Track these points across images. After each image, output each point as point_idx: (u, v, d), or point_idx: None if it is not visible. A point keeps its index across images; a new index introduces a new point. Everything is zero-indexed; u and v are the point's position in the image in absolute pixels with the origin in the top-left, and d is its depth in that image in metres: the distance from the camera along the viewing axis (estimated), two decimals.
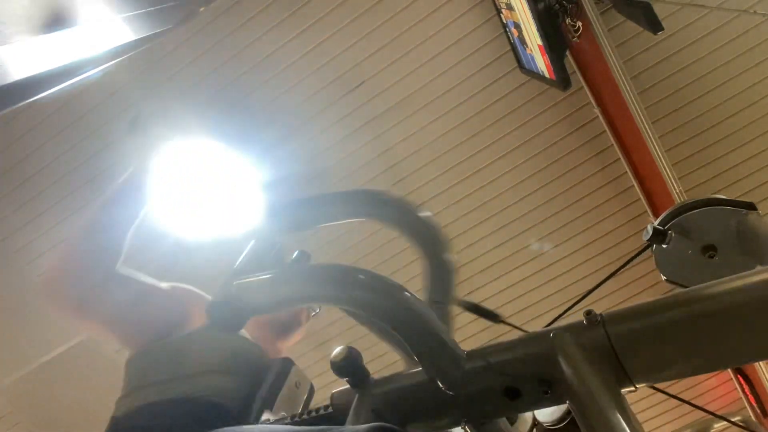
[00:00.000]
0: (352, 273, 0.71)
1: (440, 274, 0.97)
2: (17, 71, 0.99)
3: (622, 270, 1.08)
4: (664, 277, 1.04)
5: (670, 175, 2.96)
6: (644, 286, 3.28)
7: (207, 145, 1.22)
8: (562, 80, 2.51)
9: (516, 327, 0.99)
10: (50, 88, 1.22)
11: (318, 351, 3.46)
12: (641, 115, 2.88)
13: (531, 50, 2.64)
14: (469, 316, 1.09)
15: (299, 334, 1.36)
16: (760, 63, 2.93)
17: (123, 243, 1.06)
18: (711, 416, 2.88)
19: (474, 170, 3.23)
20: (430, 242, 0.97)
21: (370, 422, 0.71)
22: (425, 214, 1.00)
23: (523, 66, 2.89)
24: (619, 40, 2.89)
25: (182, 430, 0.93)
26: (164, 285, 1.15)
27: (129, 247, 1.07)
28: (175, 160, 1.18)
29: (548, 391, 0.67)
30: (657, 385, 0.70)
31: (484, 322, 1.07)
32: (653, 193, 3.03)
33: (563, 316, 1.07)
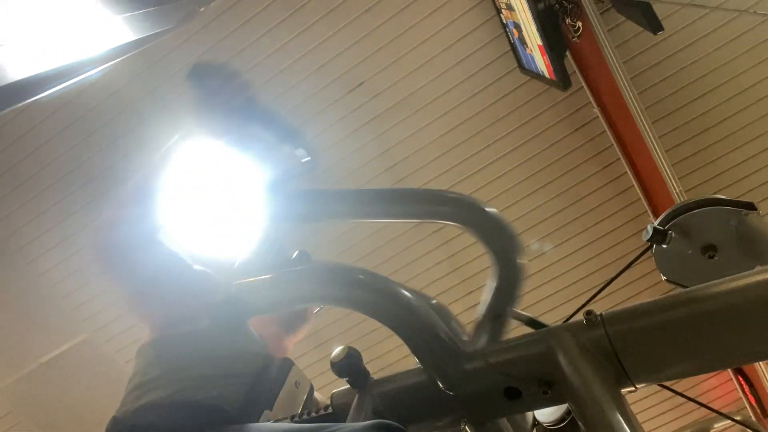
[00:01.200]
0: (352, 273, 0.71)
1: (509, 283, 0.95)
2: (17, 71, 0.99)
3: (625, 271, 1.08)
4: (664, 277, 1.04)
5: (670, 175, 2.96)
6: (644, 286, 3.28)
7: (207, 145, 1.21)
8: (562, 80, 2.51)
9: None
10: (50, 88, 1.22)
11: (318, 351, 3.46)
12: (641, 115, 2.87)
13: (531, 50, 2.65)
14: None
15: (306, 329, 1.36)
16: (760, 63, 2.93)
17: (158, 213, 1.08)
18: (711, 416, 2.88)
19: (474, 170, 3.23)
20: (506, 248, 0.94)
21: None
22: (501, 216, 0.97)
23: (523, 66, 2.89)
24: (619, 40, 2.89)
25: None
26: (197, 266, 1.15)
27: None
28: (175, 160, 1.18)
29: (548, 391, 0.67)
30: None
31: None
32: (653, 193, 3.02)
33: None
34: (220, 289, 1.14)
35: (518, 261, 0.94)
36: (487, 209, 0.95)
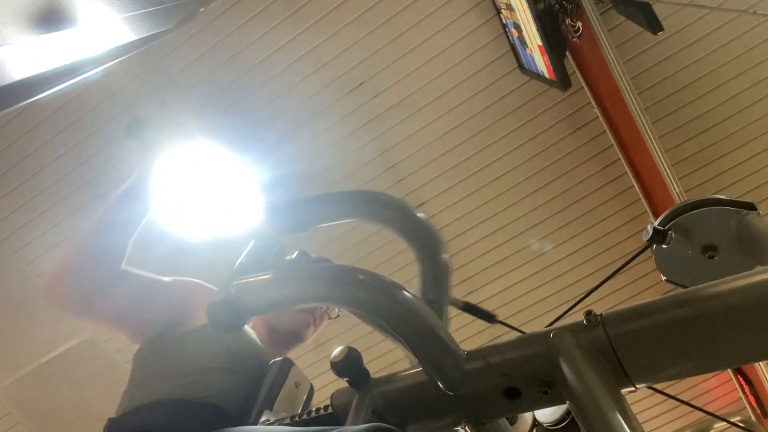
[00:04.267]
0: (352, 273, 0.71)
1: (435, 273, 0.97)
2: (17, 71, 0.99)
3: (622, 270, 1.08)
4: (664, 277, 1.04)
5: (670, 175, 2.96)
6: (644, 286, 3.28)
7: (207, 145, 1.22)
8: (562, 80, 2.51)
9: (513, 328, 0.99)
10: (50, 88, 1.22)
11: (318, 351, 3.46)
12: (641, 115, 2.87)
13: (531, 50, 2.64)
14: (468, 317, 1.09)
15: (298, 347, 1.36)
16: (760, 63, 2.93)
17: (126, 244, 1.07)
18: (711, 416, 2.87)
19: (474, 170, 3.23)
20: (427, 243, 0.97)
21: (370, 422, 0.71)
22: (421, 215, 1.00)
23: (523, 66, 2.89)
24: (619, 41, 2.89)
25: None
26: (166, 279, 1.15)
27: (132, 249, 1.08)
28: (176, 160, 1.18)
29: (548, 391, 0.67)
30: (657, 386, 0.70)
31: (483, 322, 1.07)
32: (653, 193, 3.03)
33: (563, 317, 1.06)
34: (207, 292, 1.15)
35: (442, 257, 0.98)
36: (414, 212, 0.99)
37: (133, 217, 1.08)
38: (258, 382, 1.04)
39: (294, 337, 1.33)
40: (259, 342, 1.19)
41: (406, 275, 3.69)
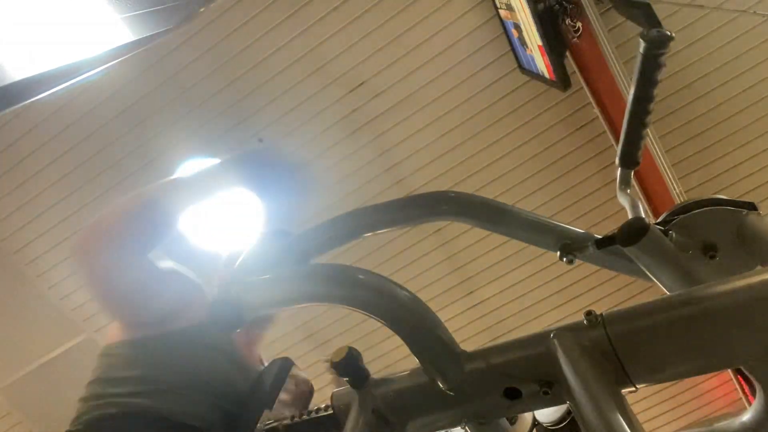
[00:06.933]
0: (352, 273, 0.71)
1: None
2: (17, 71, 0.99)
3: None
4: None
5: (670, 175, 2.96)
6: (644, 286, 3.28)
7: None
8: (562, 81, 2.51)
9: None
10: (50, 88, 1.22)
11: (318, 351, 3.46)
12: None
13: (531, 51, 2.65)
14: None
15: (264, 337, 1.34)
16: (760, 63, 2.93)
17: (164, 235, 1.03)
18: (711, 416, 2.87)
19: (474, 171, 3.23)
20: None
21: (371, 422, 0.72)
22: None
23: (523, 66, 2.89)
24: (619, 40, 2.89)
25: None
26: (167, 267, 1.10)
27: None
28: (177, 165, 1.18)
29: (548, 391, 0.67)
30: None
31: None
32: (653, 193, 3.03)
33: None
34: (214, 291, 1.12)
35: None
36: None
37: (181, 208, 1.04)
38: (254, 386, 1.03)
39: (258, 327, 1.30)
40: (239, 355, 1.15)
41: (406, 275, 3.70)
